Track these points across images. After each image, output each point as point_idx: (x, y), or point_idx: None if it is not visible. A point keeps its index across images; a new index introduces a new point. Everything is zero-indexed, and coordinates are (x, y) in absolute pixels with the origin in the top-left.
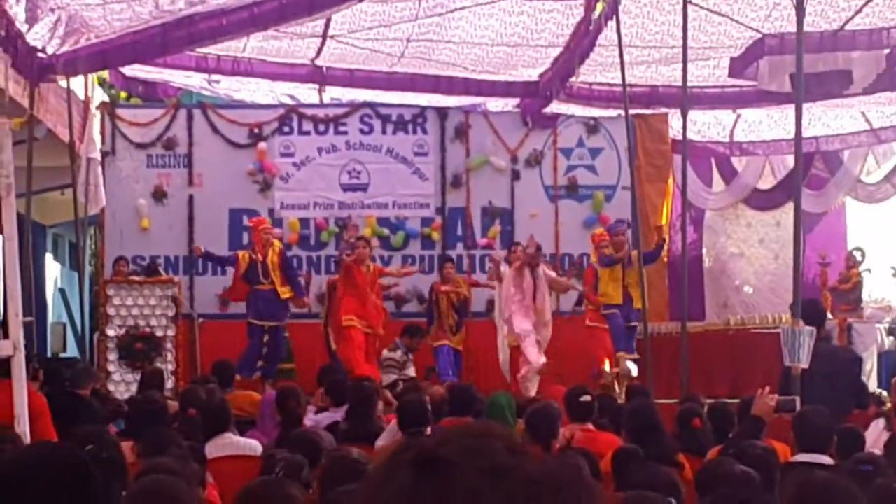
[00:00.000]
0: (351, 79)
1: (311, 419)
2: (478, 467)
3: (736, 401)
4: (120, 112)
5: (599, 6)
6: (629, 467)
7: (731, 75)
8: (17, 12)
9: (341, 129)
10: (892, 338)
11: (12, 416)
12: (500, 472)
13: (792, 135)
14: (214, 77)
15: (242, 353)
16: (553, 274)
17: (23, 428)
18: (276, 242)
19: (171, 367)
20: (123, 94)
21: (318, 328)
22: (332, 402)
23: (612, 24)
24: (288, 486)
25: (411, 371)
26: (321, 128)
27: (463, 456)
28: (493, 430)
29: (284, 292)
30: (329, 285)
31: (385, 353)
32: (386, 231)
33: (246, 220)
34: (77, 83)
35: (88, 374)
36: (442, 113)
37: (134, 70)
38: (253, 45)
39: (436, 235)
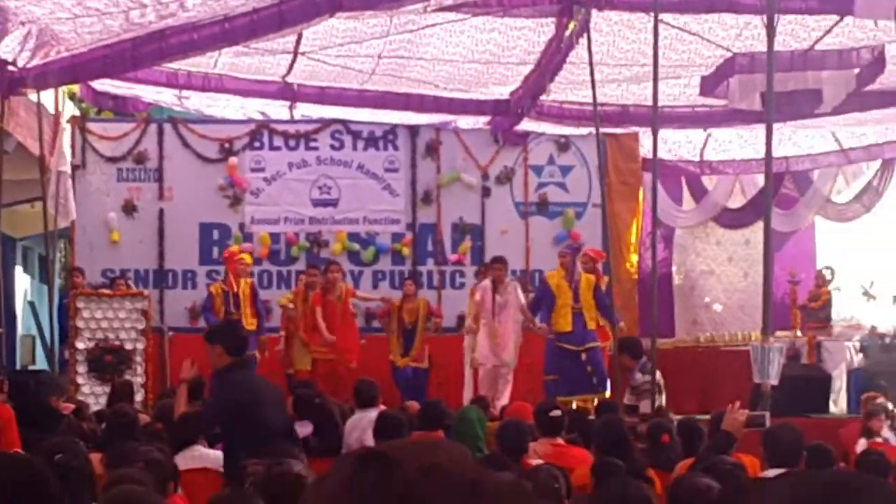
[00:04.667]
0: (322, 96)
1: None
2: (417, 464)
3: (706, 417)
4: (90, 126)
5: (571, 25)
6: (608, 480)
7: (701, 94)
8: None
9: (312, 144)
10: (861, 356)
11: None
12: (438, 469)
13: (762, 154)
14: (185, 93)
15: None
16: (523, 301)
17: None
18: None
19: (140, 379)
20: (94, 109)
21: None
22: (298, 417)
23: (583, 41)
24: (253, 500)
25: None
26: (292, 143)
27: (404, 454)
28: (446, 443)
29: (251, 324)
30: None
31: None
32: (356, 246)
33: (216, 234)
34: (47, 97)
35: (55, 385)
36: (413, 130)
37: (104, 84)
38: (224, 62)
39: (406, 251)
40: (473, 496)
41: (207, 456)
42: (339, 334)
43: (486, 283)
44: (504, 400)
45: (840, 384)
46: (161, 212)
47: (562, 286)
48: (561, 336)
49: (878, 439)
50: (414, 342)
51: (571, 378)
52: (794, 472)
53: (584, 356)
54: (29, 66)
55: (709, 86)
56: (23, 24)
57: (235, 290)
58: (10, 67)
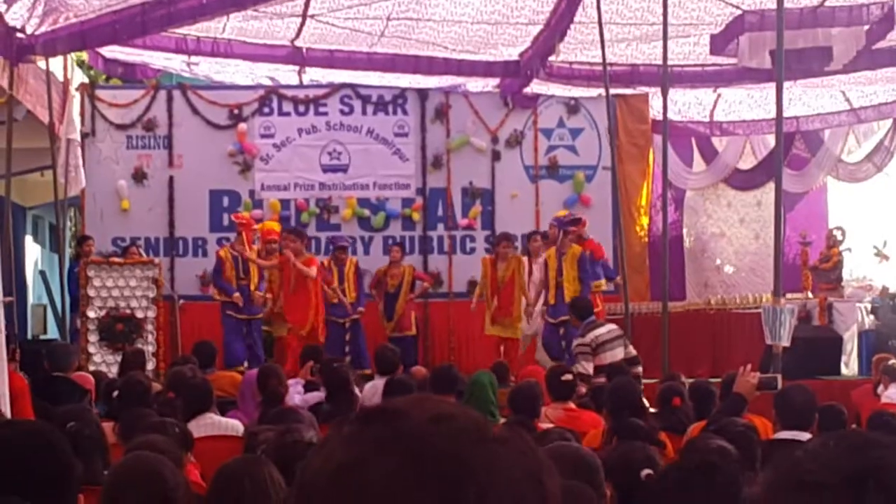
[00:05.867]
0: (331, 59)
1: (299, 398)
2: (423, 415)
3: (717, 380)
4: (99, 93)
5: None
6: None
7: (712, 52)
8: None
9: (321, 110)
10: (872, 317)
11: None
12: (445, 417)
13: (772, 115)
14: (194, 59)
15: (226, 349)
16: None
17: (3, 408)
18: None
19: (151, 348)
20: (103, 76)
21: None
22: (308, 382)
23: (592, 0)
24: (265, 465)
25: None
26: (301, 109)
27: (410, 406)
28: (452, 403)
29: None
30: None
31: None
32: (366, 212)
33: (226, 201)
34: (56, 64)
35: (69, 354)
36: (422, 94)
37: (113, 51)
38: (232, 26)
39: (416, 216)
40: (482, 441)
41: (220, 423)
42: (289, 301)
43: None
44: None
45: (851, 346)
46: (171, 179)
47: (552, 262)
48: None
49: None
50: (392, 310)
51: (550, 345)
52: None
53: (561, 330)
54: (37, 32)
55: (719, 44)
56: None
57: (246, 254)
58: (19, 34)
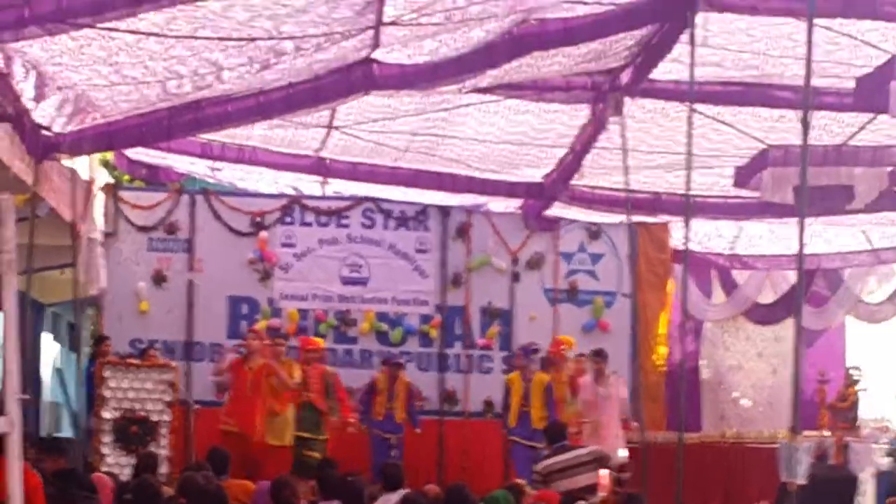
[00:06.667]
0: (354, 172)
1: None
2: None
3: None
4: (123, 194)
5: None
6: None
7: (736, 185)
8: (25, 88)
9: (343, 221)
10: (889, 458)
11: (5, 495)
12: None
13: (793, 251)
14: (218, 165)
15: None
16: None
17: None
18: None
19: (165, 452)
20: (127, 177)
21: None
22: (322, 496)
23: (616, 127)
24: None
25: None
26: (323, 220)
27: None
28: None
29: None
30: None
31: None
32: (384, 326)
33: (244, 308)
34: (81, 163)
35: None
36: (444, 211)
37: (138, 153)
38: (258, 133)
39: (434, 333)
40: None
41: None
42: (240, 405)
43: (588, 377)
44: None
45: (867, 486)
46: (190, 283)
47: (516, 386)
48: (514, 430)
49: None
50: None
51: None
52: None
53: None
54: (64, 131)
55: (743, 177)
56: (60, 89)
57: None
58: (46, 132)
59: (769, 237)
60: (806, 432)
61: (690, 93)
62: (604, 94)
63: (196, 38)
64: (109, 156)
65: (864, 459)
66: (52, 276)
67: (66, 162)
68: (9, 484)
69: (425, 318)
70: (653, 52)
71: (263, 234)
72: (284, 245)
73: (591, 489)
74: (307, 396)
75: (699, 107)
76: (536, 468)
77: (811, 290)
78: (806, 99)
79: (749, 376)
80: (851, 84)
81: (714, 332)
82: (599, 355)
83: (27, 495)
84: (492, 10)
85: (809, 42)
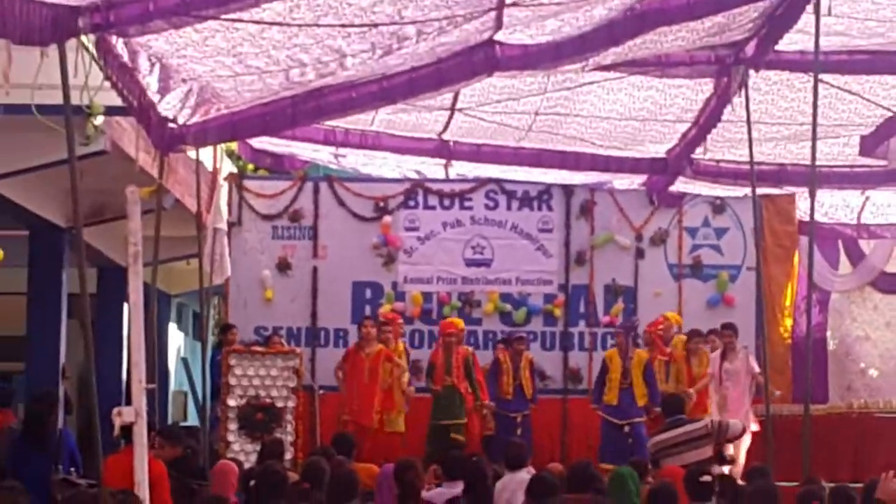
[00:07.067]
0: (477, 154)
1: (429, 493)
2: None
3: (859, 485)
4: (247, 183)
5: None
6: None
7: (861, 153)
8: (150, 82)
9: (466, 204)
10: None
11: (132, 482)
12: None
13: None
14: (341, 151)
15: None
16: (756, 368)
17: (143, 494)
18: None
19: (290, 438)
20: (251, 166)
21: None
22: (447, 477)
23: (740, 100)
24: None
25: None
26: (446, 202)
27: None
28: None
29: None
30: None
31: None
32: (508, 307)
33: (368, 293)
34: (205, 154)
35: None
36: (567, 190)
37: (262, 142)
38: (381, 118)
39: (558, 312)
40: None
41: None
42: (358, 393)
43: (716, 353)
44: (738, 467)
45: None
46: (315, 270)
47: (615, 363)
48: (607, 408)
49: None
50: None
51: (611, 447)
52: None
53: (626, 429)
54: (189, 123)
55: (868, 146)
56: (184, 81)
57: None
58: (171, 125)
59: None
60: None
61: (815, 63)
62: (728, 68)
63: (319, 25)
64: (234, 146)
65: None
66: (178, 267)
67: (191, 153)
68: (136, 471)
69: (549, 298)
70: (777, 24)
71: (387, 218)
72: (408, 229)
73: (701, 465)
74: (449, 381)
75: (825, 76)
76: (648, 444)
77: None
78: None
79: (877, 346)
80: None
81: (841, 303)
82: (730, 328)
83: (152, 482)
84: None
85: None
